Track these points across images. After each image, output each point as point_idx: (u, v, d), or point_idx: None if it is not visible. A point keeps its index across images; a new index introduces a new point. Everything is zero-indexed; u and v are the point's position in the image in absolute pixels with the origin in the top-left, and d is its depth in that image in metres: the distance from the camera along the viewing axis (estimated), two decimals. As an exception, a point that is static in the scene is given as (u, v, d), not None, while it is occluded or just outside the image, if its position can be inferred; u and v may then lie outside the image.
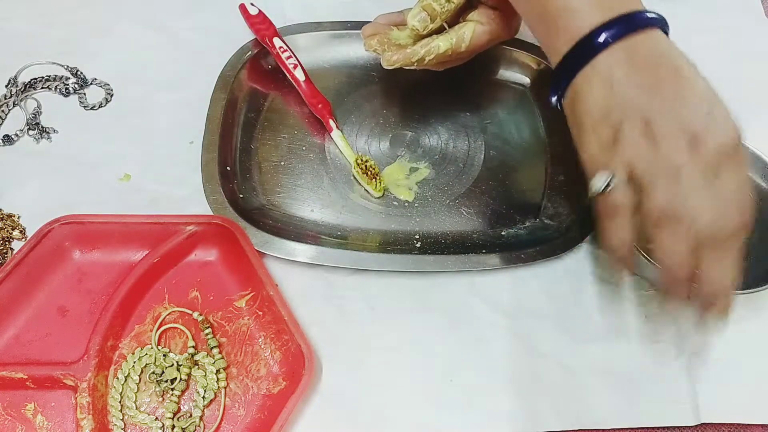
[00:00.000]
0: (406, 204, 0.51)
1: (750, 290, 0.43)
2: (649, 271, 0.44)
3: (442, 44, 0.48)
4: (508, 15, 0.48)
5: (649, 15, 0.37)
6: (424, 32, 0.48)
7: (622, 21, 0.36)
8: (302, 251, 0.46)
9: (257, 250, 0.45)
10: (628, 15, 0.36)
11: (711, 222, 0.34)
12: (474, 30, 0.48)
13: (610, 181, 0.37)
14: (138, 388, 0.42)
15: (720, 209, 0.34)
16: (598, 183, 0.37)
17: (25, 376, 0.41)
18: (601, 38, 0.36)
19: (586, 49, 0.37)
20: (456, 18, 0.50)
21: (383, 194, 0.51)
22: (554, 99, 0.41)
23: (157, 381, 0.42)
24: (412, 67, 0.49)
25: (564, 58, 0.38)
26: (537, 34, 0.42)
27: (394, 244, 0.49)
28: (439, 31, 0.49)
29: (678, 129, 0.35)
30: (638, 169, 0.36)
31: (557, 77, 0.39)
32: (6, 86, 0.56)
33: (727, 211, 0.35)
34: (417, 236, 0.49)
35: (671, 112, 0.35)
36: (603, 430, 0.43)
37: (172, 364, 0.43)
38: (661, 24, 0.37)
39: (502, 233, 0.50)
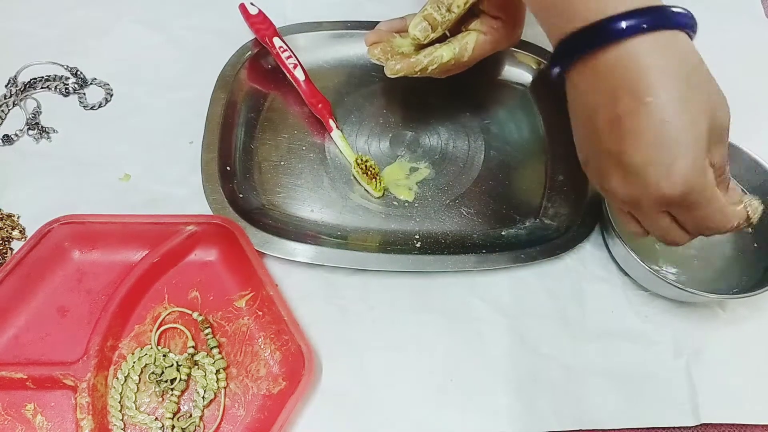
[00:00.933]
0: (406, 204, 0.51)
1: (750, 293, 0.43)
2: (643, 272, 0.44)
3: (445, 54, 0.48)
4: (510, 24, 0.48)
5: (682, 12, 0.34)
6: (425, 41, 0.48)
7: (657, 12, 0.33)
8: (302, 251, 0.46)
9: (257, 250, 0.45)
10: (663, 8, 0.33)
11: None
12: (476, 40, 0.48)
13: None
14: (138, 389, 0.42)
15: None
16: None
17: (25, 376, 0.41)
18: (630, 22, 0.33)
19: (613, 27, 0.33)
20: (458, 27, 0.50)
21: (383, 194, 0.51)
22: (556, 70, 0.38)
23: (156, 381, 0.42)
24: (415, 76, 0.49)
25: (585, 30, 0.34)
26: (542, 19, 0.38)
27: (394, 244, 0.49)
28: (441, 39, 0.49)
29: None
30: None
31: (571, 46, 0.36)
32: (6, 86, 0.56)
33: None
34: (417, 236, 0.49)
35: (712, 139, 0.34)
36: (603, 430, 0.43)
37: (172, 365, 0.43)
38: (692, 26, 0.34)
39: (502, 233, 0.50)
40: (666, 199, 0.34)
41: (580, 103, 0.38)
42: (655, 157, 0.33)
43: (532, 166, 0.54)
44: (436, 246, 0.49)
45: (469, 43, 0.48)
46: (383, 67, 0.49)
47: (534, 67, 0.59)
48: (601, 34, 0.34)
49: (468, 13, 0.48)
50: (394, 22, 0.52)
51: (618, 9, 0.33)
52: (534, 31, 0.58)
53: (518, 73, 0.59)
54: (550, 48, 0.59)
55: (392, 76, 0.49)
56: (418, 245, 0.49)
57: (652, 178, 0.34)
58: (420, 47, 0.50)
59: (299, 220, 0.50)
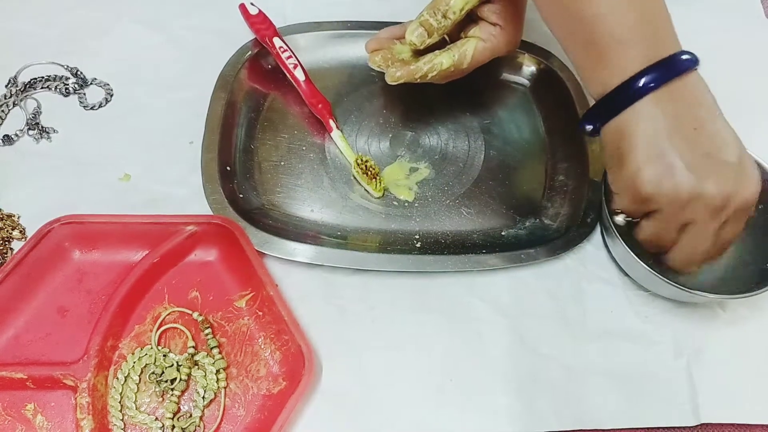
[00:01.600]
0: (406, 204, 0.51)
1: (750, 293, 0.43)
2: (644, 273, 0.44)
3: (445, 61, 0.49)
4: (509, 31, 0.49)
5: (686, 58, 0.38)
6: (422, 47, 0.49)
7: (665, 66, 0.37)
8: (302, 251, 0.46)
9: (257, 250, 0.45)
10: (671, 59, 0.38)
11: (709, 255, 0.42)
12: (475, 47, 0.49)
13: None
14: (138, 389, 0.42)
15: (719, 249, 0.42)
16: (620, 220, 0.43)
17: (25, 377, 0.41)
18: (643, 83, 0.37)
19: (629, 92, 0.38)
20: (457, 32, 0.50)
21: (383, 194, 0.51)
22: (589, 128, 0.42)
23: (157, 381, 0.42)
24: (416, 82, 0.50)
25: (607, 97, 0.39)
26: (577, 62, 0.42)
27: (394, 244, 0.49)
28: (440, 45, 0.50)
29: (710, 187, 0.38)
30: (661, 213, 0.40)
31: (597, 112, 0.41)
32: (6, 86, 0.56)
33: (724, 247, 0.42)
34: (417, 236, 0.49)
35: (703, 168, 0.37)
36: (603, 430, 0.43)
37: (172, 365, 0.43)
38: (695, 65, 0.39)
39: (502, 233, 0.50)
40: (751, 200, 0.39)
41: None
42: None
43: (532, 167, 0.54)
44: (436, 246, 0.49)
45: (468, 50, 0.49)
46: (386, 80, 0.50)
47: (534, 67, 0.59)
48: (619, 100, 0.39)
49: (467, 19, 0.49)
50: (394, 29, 0.53)
51: (639, 63, 0.38)
52: (534, 32, 0.58)
53: (518, 73, 0.59)
54: (550, 48, 0.59)
55: (393, 83, 0.49)
56: (418, 245, 0.49)
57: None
58: (419, 53, 0.50)
59: (299, 220, 0.50)
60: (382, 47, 0.52)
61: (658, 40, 0.38)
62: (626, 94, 0.38)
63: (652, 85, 0.37)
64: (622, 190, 0.40)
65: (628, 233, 0.45)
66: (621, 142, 0.39)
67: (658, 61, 0.37)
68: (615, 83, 0.38)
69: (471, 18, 0.49)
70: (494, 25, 0.49)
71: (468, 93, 0.57)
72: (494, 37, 0.49)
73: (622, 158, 0.39)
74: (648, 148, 0.38)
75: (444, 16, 0.47)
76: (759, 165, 0.49)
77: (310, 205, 0.51)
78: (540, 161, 0.55)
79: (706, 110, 0.38)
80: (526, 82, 0.59)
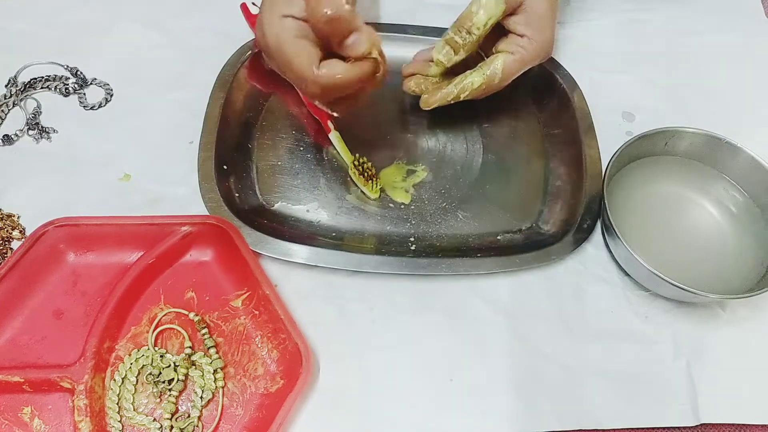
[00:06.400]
0: (402, 206, 0.51)
1: (750, 293, 0.43)
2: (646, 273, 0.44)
3: (475, 80, 0.49)
4: (538, 40, 0.49)
5: None
6: (450, 65, 0.50)
7: None
8: (297, 252, 0.46)
9: (253, 250, 0.45)
10: None
11: None
12: (504, 61, 0.49)
13: None
14: (135, 390, 0.42)
15: None
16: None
17: (22, 380, 0.41)
18: None
19: None
20: (490, 46, 0.51)
21: (380, 196, 0.51)
22: None
23: (154, 382, 0.42)
24: (450, 103, 0.51)
25: None
26: None
27: (389, 246, 0.48)
28: (472, 62, 0.50)
29: None
30: None
31: None
32: (6, 86, 0.56)
33: None
34: (412, 239, 0.49)
35: None
36: (603, 430, 0.43)
37: (169, 365, 0.43)
38: None
39: (498, 237, 0.50)
40: None
41: None
42: None
43: (529, 171, 0.54)
44: (431, 249, 0.48)
45: (497, 66, 0.49)
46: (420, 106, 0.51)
47: (533, 70, 0.58)
48: None
49: (499, 33, 0.49)
50: (426, 53, 0.53)
51: None
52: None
53: (518, 77, 0.59)
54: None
55: (426, 108, 0.51)
56: (413, 248, 0.48)
57: None
58: (449, 72, 0.51)
59: (295, 220, 0.49)
60: (417, 71, 0.53)
61: None
62: None
63: None
64: None
65: (628, 233, 0.45)
66: None
67: None
68: None
69: (502, 31, 0.49)
70: (521, 36, 0.49)
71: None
72: (522, 48, 0.49)
73: None
74: None
75: (468, 33, 0.48)
76: (759, 164, 0.49)
77: (306, 205, 0.50)
78: (538, 165, 0.54)
79: None
80: (525, 86, 0.58)
